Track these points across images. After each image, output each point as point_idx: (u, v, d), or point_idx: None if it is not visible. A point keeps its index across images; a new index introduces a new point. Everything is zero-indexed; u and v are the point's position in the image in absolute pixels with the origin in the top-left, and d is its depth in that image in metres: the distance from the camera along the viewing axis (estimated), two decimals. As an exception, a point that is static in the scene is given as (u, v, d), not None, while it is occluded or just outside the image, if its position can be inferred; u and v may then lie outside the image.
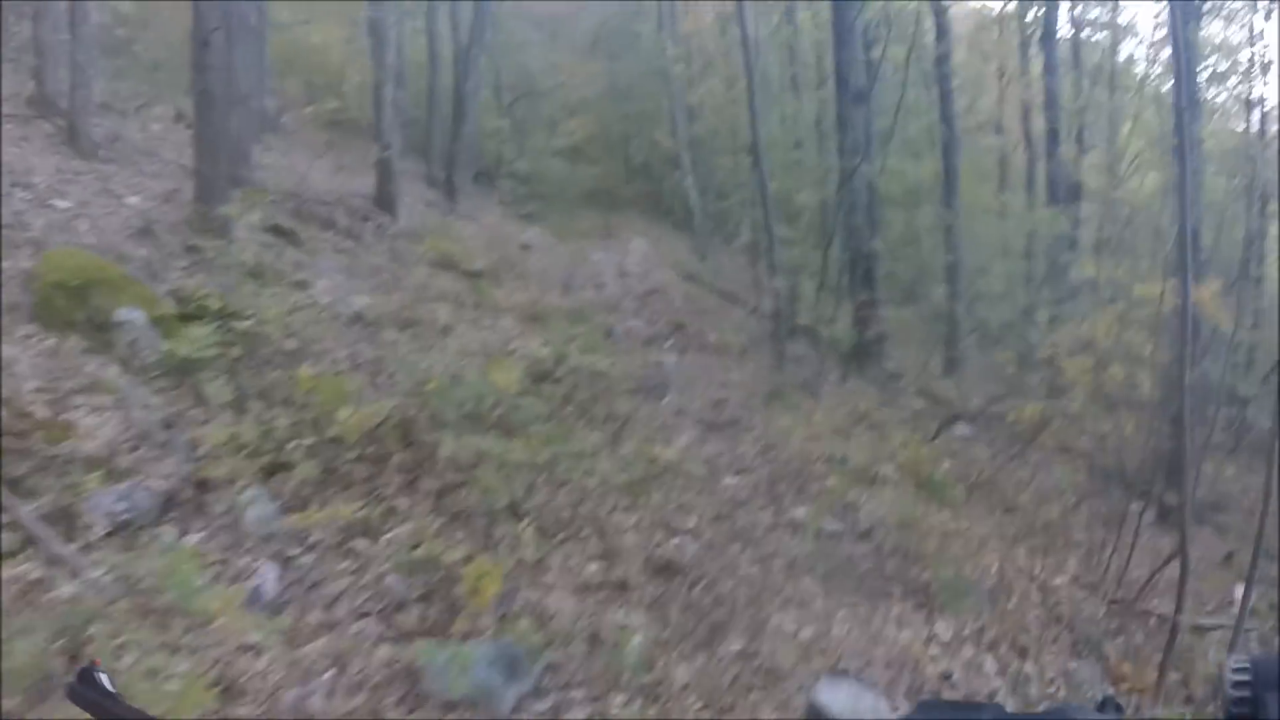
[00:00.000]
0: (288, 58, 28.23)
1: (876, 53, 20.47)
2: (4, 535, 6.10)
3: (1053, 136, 24.25)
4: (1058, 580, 10.60)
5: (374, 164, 19.65)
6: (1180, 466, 14.72)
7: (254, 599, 6.27)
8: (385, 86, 19.41)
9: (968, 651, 8.44)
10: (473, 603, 6.27)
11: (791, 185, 21.55)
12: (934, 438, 14.68)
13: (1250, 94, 25.25)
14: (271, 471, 7.41)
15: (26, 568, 6.03)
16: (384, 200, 19.00)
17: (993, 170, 32.32)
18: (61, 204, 12.33)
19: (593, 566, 7.65)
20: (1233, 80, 26.04)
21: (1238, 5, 23.63)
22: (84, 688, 1.61)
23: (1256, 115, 27.39)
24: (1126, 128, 29.45)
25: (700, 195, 28.03)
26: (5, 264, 9.21)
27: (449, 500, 7.65)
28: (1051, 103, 24.36)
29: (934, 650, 8.26)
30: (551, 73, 34.32)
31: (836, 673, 7.37)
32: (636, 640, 7.01)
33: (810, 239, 21.91)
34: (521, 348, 11.55)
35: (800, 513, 9.73)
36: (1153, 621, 10.40)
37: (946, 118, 23.01)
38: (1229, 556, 13.69)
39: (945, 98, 23.15)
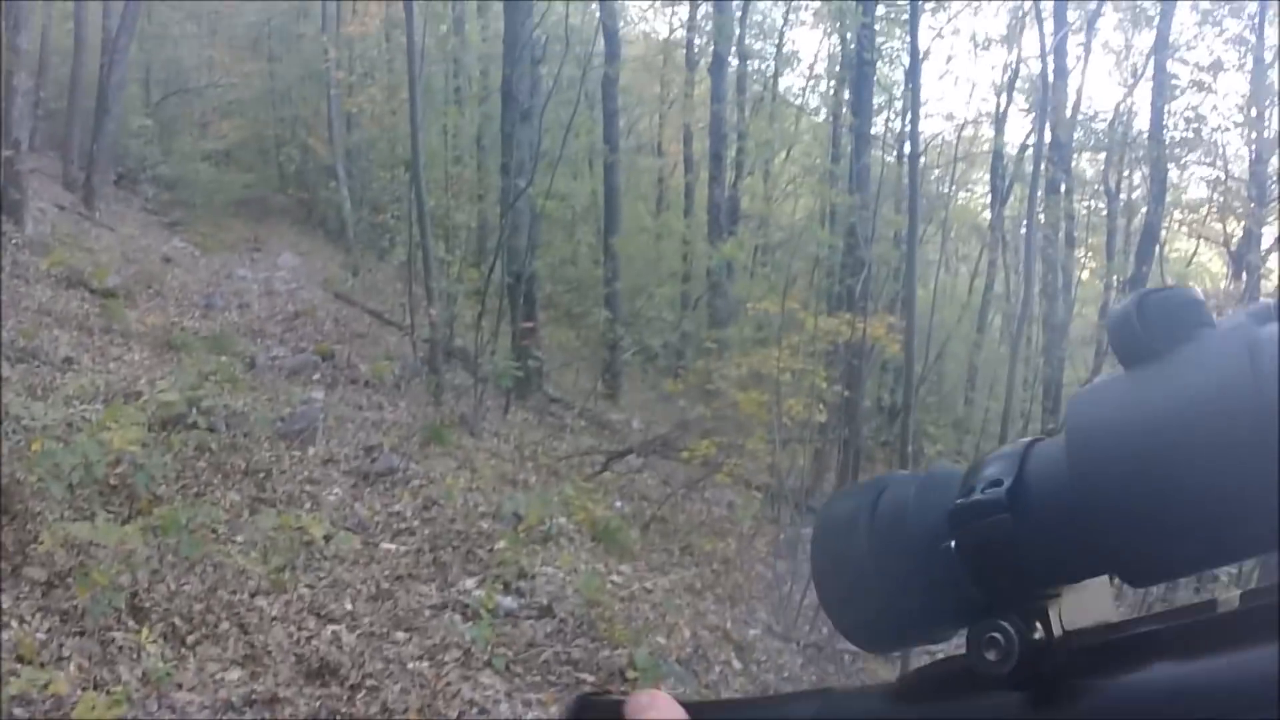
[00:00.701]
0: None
1: (545, 70, 19.97)
2: None
3: (716, 161, 24.24)
4: (751, 634, 10.01)
5: (-1, 163, 17.96)
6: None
7: None
8: (18, 75, 17.66)
9: (676, 754, 7.56)
10: (83, 756, 5.12)
11: (450, 203, 20.94)
12: (602, 471, 14.19)
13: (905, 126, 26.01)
14: None
15: None
16: (8, 205, 17.28)
17: (651, 191, 32.52)
18: None
19: (234, 674, 6.35)
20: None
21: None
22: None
23: (907, 147, 28.31)
24: (781, 156, 30.08)
25: (355, 208, 27.22)
26: None
27: (58, 595, 6.46)
28: (717, 128, 24.33)
29: (641, 758, 7.35)
30: (206, 70, 33.09)
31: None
32: (293, 785, 5.92)
33: (468, 259, 21.33)
34: (150, 388, 10.37)
35: (469, 584, 8.63)
36: (848, 660, 10.00)
37: (610, 138, 22.79)
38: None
39: (610, 118, 22.97)
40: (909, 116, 19.04)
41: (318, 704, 6.42)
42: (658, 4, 34.71)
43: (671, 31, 32.47)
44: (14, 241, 16.14)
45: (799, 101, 32.65)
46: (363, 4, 29.43)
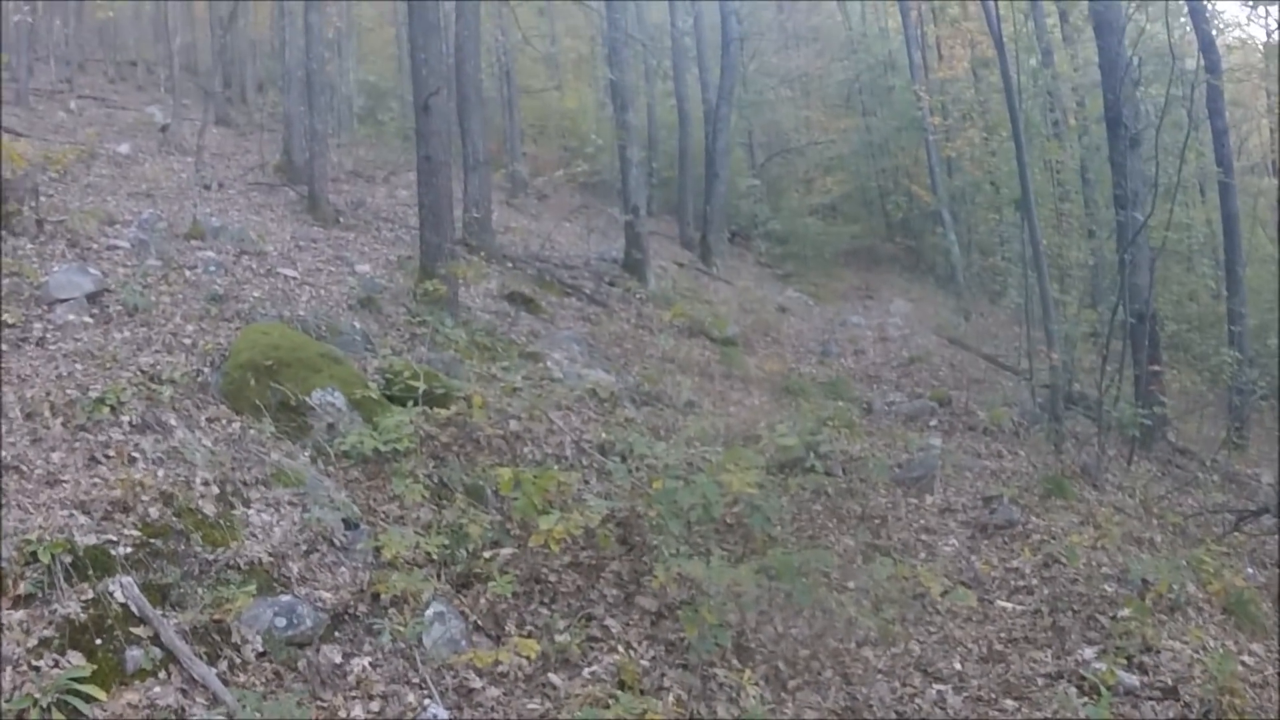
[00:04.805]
0: (540, 123, 28.52)
1: (1141, 91, 18.66)
2: (142, 653, 5.23)
3: (1351, 179, 21.99)
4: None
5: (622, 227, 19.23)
6: None
7: (417, 749, 5.12)
8: (630, 148, 18.99)
9: None
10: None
11: (1061, 241, 20.10)
12: (1232, 531, 12.87)
13: None
14: (463, 584, 6.33)
15: (159, 690, 5.13)
16: (631, 264, 18.56)
17: (1269, 216, 30.24)
18: (288, 272, 11.88)
19: (831, 727, 6.17)
20: None
21: None
22: None
23: None
24: None
25: (963, 252, 26.93)
26: (202, 341, 8.52)
27: (666, 625, 6.44)
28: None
29: None
30: (804, 129, 34.06)
31: None
32: None
33: (1084, 299, 20.36)
34: (769, 432, 10.24)
35: (1088, 654, 7.79)
36: None
37: (1221, 159, 20.98)
38: None
39: (1219, 137, 21.16)
40: None
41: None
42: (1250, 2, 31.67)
43: (1270, 35, 29.66)
44: (639, 296, 17.09)
45: None
46: (949, 50, 29.28)
